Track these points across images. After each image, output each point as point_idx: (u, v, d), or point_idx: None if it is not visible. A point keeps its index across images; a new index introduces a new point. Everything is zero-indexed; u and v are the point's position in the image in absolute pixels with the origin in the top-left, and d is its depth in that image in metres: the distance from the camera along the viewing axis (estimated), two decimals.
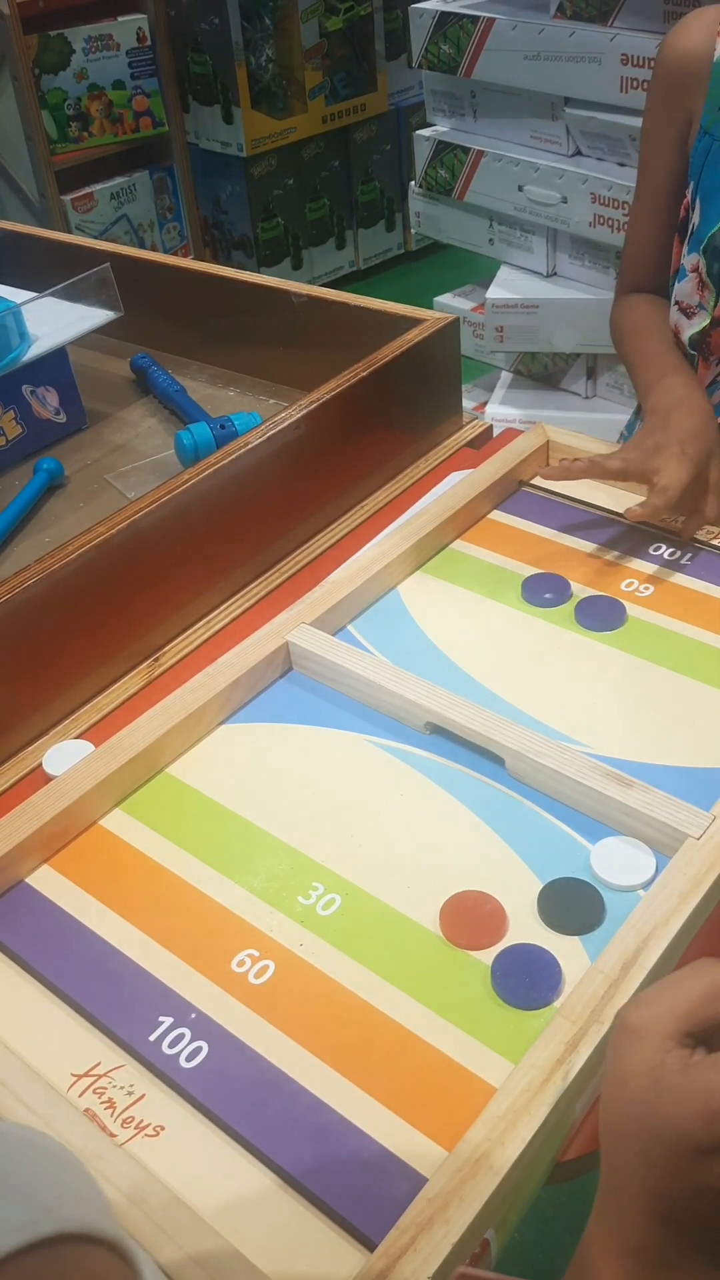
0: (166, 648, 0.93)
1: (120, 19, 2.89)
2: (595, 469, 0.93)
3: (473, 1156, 0.55)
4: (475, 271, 2.48)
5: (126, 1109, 0.60)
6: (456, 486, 1.02)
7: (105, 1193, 0.54)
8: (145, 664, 0.92)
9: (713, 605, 0.91)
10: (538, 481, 1.07)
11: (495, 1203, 0.54)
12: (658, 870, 0.69)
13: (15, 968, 0.68)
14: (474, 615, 0.92)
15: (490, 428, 1.18)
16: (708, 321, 0.99)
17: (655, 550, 0.97)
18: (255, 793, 0.78)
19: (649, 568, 0.95)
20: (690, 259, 0.99)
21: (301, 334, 1.20)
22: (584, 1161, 0.61)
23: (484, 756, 0.78)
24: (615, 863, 0.70)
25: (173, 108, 3.09)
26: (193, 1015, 0.64)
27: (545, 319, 1.98)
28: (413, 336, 1.09)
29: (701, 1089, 0.42)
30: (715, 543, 0.97)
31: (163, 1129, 0.59)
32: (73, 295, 1.17)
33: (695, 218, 0.98)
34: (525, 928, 0.67)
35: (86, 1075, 0.62)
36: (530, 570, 0.96)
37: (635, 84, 1.71)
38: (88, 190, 3.01)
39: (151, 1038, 0.63)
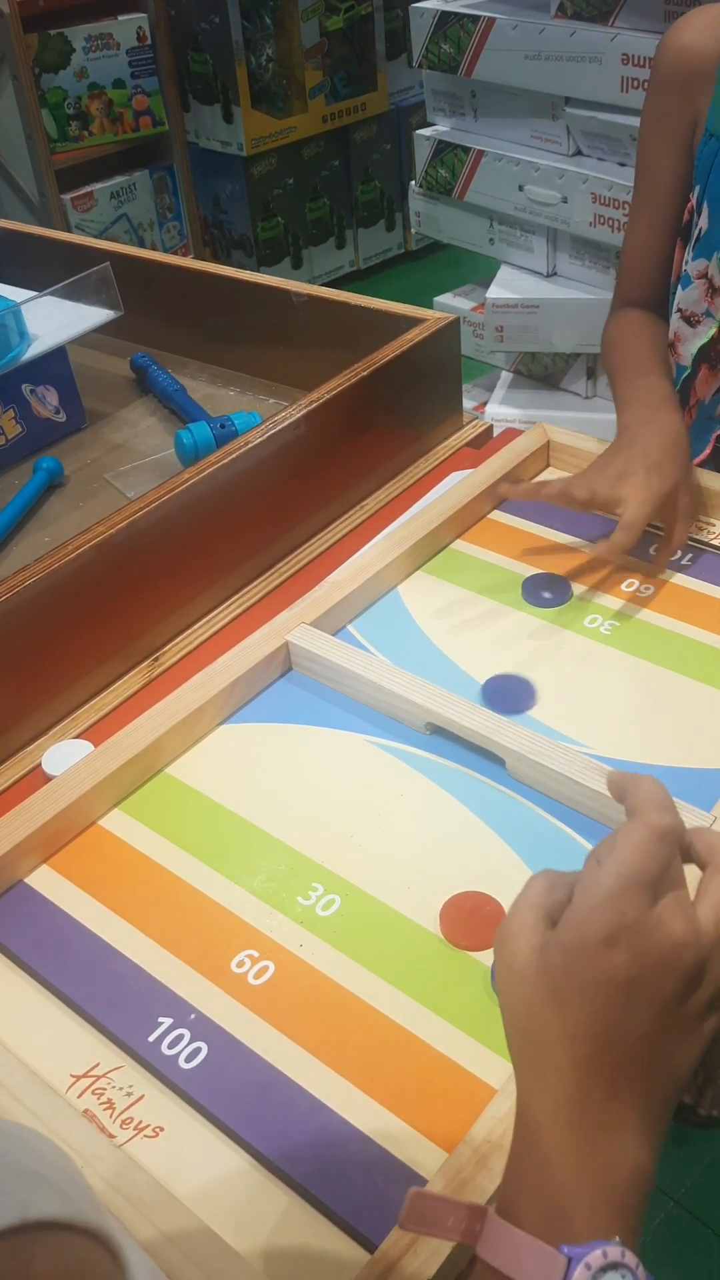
0: (166, 647, 0.93)
1: (120, 18, 2.89)
2: (563, 498, 0.89)
3: (473, 1157, 0.54)
4: (475, 271, 2.48)
5: (126, 1110, 0.60)
6: (457, 486, 1.02)
7: (104, 1194, 0.54)
8: (145, 664, 0.92)
9: (713, 606, 0.90)
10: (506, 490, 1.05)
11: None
12: None
13: (14, 968, 0.67)
14: (474, 615, 0.92)
15: (490, 428, 1.18)
16: (716, 328, 0.97)
17: (654, 550, 0.97)
18: (255, 793, 0.78)
19: (648, 568, 0.95)
20: (696, 265, 0.96)
21: (301, 333, 1.20)
22: None
23: (484, 757, 0.78)
24: None
25: (173, 107, 3.09)
26: (192, 1016, 0.64)
27: (545, 319, 1.98)
28: (413, 336, 1.09)
29: (580, 910, 0.45)
30: (715, 543, 0.97)
31: (162, 1130, 0.59)
32: (72, 294, 1.17)
33: (703, 222, 0.95)
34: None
35: (85, 1076, 0.61)
36: (530, 570, 0.95)
37: (636, 84, 1.71)
38: (87, 189, 3.01)
39: (151, 1038, 0.63)
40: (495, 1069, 0.61)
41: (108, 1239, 0.34)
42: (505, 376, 2.17)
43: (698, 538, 0.98)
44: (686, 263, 0.99)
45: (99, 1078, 0.61)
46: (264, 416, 1.08)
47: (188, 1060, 0.62)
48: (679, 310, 1.00)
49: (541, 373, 2.12)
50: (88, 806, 0.76)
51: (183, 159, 3.20)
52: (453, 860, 0.72)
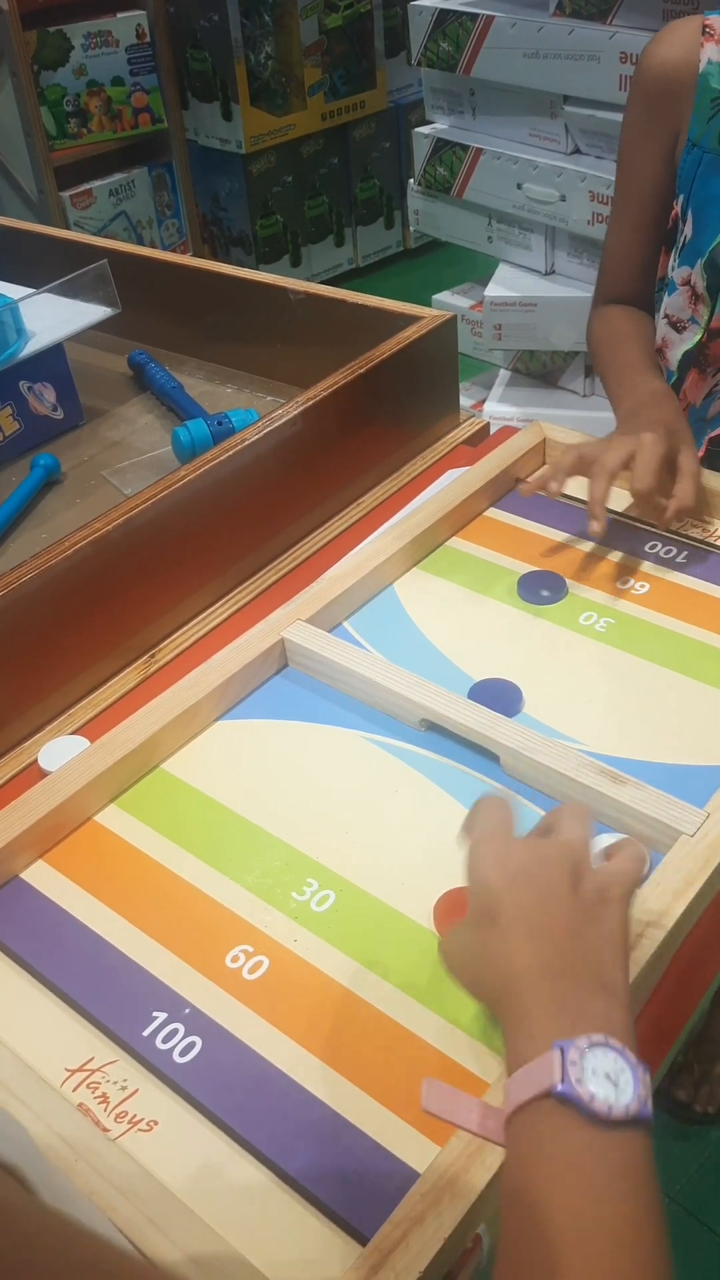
0: (162, 644, 0.93)
1: (119, 15, 2.89)
2: (579, 465, 0.92)
3: (465, 1152, 0.55)
4: (474, 269, 2.48)
5: (120, 1104, 0.60)
6: (453, 484, 1.02)
7: (97, 1187, 0.54)
8: (141, 660, 0.92)
9: (707, 603, 0.91)
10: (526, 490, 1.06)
11: (487, 1198, 0.54)
12: (651, 867, 0.69)
13: (9, 963, 0.68)
14: (470, 612, 0.92)
15: (487, 425, 1.18)
16: (701, 335, 0.98)
17: (650, 548, 0.97)
18: (250, 789, 0.78)
19: (644, 565, 0.95)
20: (681, 272, 0.98)
21: (299, 331, 1.20)
22: None
23: (478, 754, 0.78)
24: None
25: (172, 104, 3.08)
26: (186, 1010, 0.64)
27: (543, 317, 1.98)
28: (410, 334, 1.09)
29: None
30: (710, 540, 0.97)
31: (156, 1124, 0.59)
32: (70, 291, 1.17)
33: (688, 230, 0.97)
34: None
35: (80, 1070, 0.62)
36: (526, 568, 0.96)
37: None
38: (86, 187, 3.00)
39: (145, 1033, 0.63)
40: (488, 1063, 0.61)
41: (12, 1168, 0.34)
42: (503, 374, 2.17)
43: (692, 536, 0.98)
44: (672, 269, 0.99)
45: (93, 1072, 0.62)
46: (261, 414, 1.08)
47: (182, 1055, 0.62)
48: (666, 316, 1.00)
49: (540, 371, 2.12)
50: (83, 802, 0.76)
51: (182, 156, 3.20)
52: (447, 856, 0.72)
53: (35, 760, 0.81)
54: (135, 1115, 0.60)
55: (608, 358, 1.07)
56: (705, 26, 0.94)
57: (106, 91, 2.93)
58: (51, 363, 1.17)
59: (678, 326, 1.00)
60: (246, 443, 0.96)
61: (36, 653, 0.85)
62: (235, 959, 0.67)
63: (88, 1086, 0.61)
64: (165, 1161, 0.57)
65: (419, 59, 2.01)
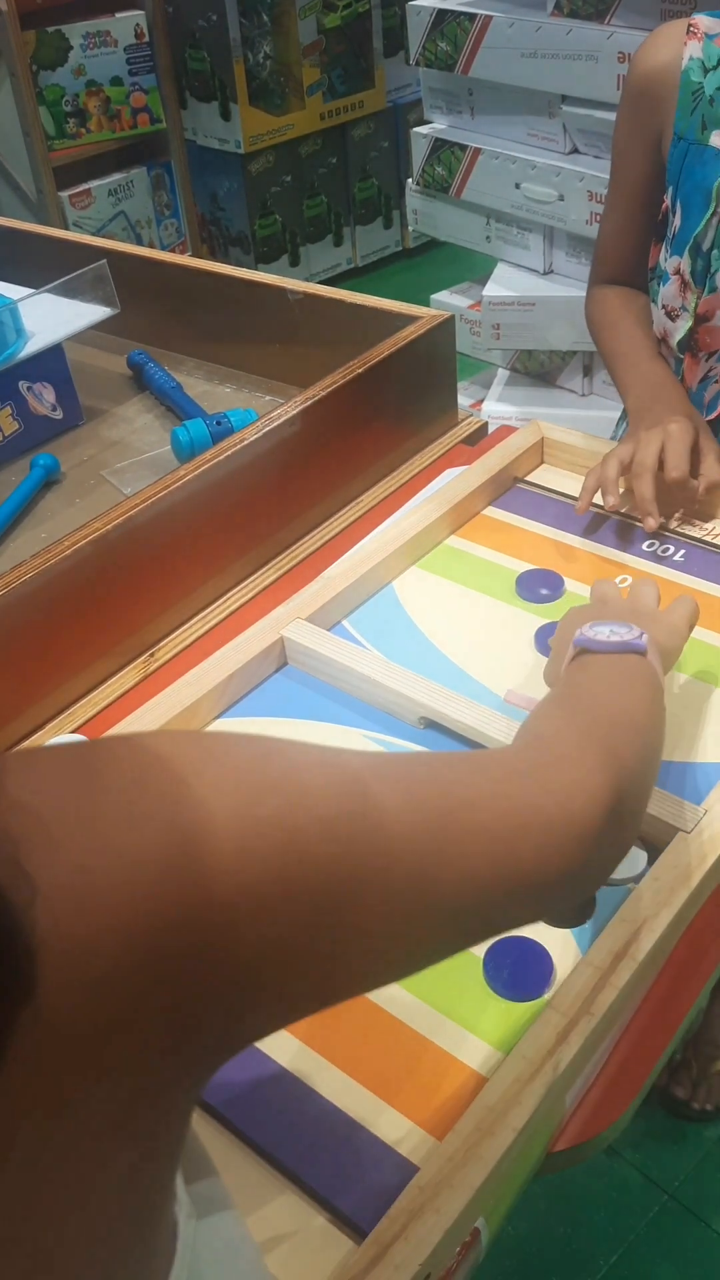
0: (161, 643, 0.94)
1: (118, 15, 2.89)
2: (617, 470, 0.96)
3: (464, 1146, 0.55)
4: (472, 269, 2.49)
5: None
6: (452, 483, 1.02)
7: None
8: (140, 659, 0.92)
9: (705, 601, 0.91)
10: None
11: (486, 1192, 0.54)
12: (649, 863, 0.70)
13: None
14: (468, 610, 0.93)
15: (485, 425, 1.19)
16: (691, 321, 1.00)
17: (648, 546, 0.97)
18: None
19: (641, 563, 0.95)
20: (672, 262, 1.01)
21: (297, 331, 1.21)
22: (575, 1153, 0.61)
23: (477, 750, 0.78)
24: None
25: (170, 104, 3.09)
26: None
27: (542, 316, 1.98)
28: (408, 334, 1.09)
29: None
30: (707, 539, 0.98)
31: None
32: (69, 292, 1.17)
33: (676, 221, 1.00)
34: None
35: None
36: (524, 566, 0.96)
37: None
38: (85, 187, 3.01)
39: None
40: (487, 1059, 0.61)
41: None
42: (502, 374, 2.17)
43: (690, 534, 0.98)
44: (664, 260, 1.02)
45: None
46: (260, 414, 1.09)
47: None
48: (663, 306, 1.03)
49: (538, 370, 2.12)
50: None
51: (180, 156, 3.20)
52: None
53: None
54: None
55: (611, 343, 1.12)
56: (690, 26, 0.98)
57: (105, 91, 2.94)
58: (51, 363, 1.17)
59: (672, 315, 1.03)
60: (245, 442, 0.96)
61: (36, 652, 0.85)
62: None
63: None
64: None
65: (417, 59, 2.02)
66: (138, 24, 2.92)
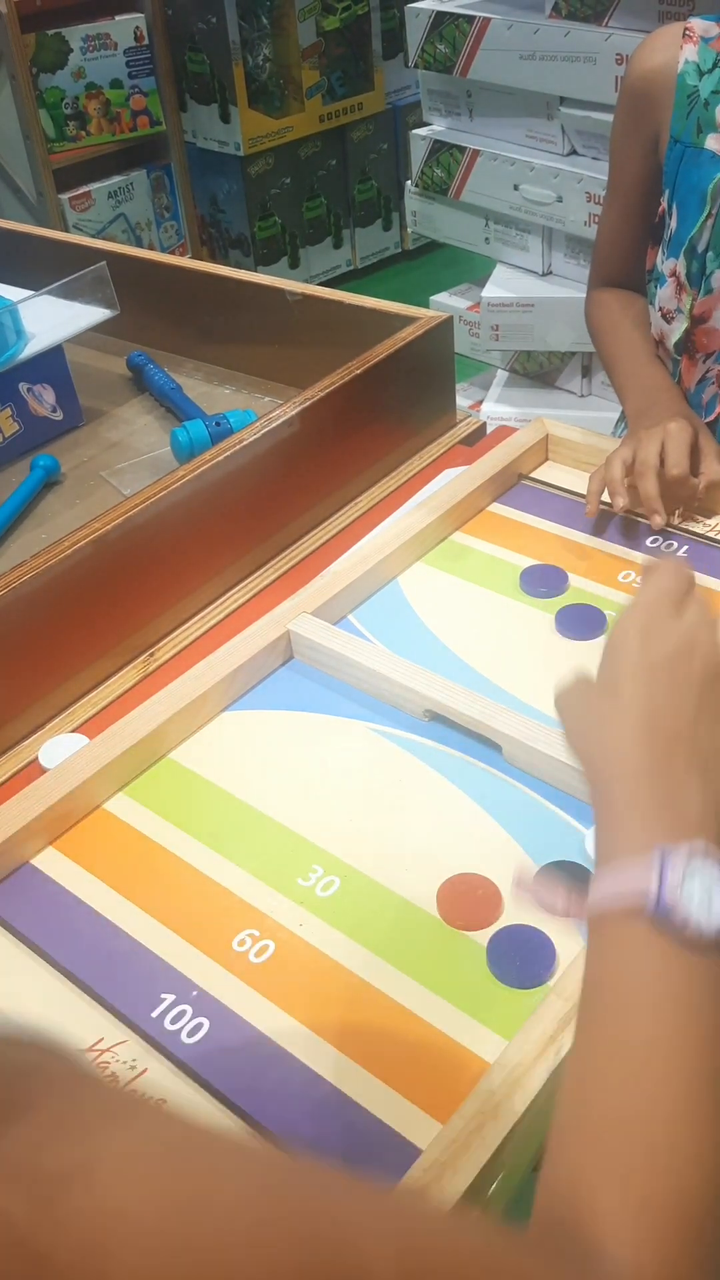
0: (161, 643, 0.94)
1: (118, 18, 2.90)
2: (619, 472, 0.96)
3: (466, 1129, 0.56)
4: (471, 270, 2.50)
5: (129, 1083, 0.61)
6: (456, 480, 1.03)
7: None
8: (140, 659, 0.93)
9: (707, 597, 0.92)
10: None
11: (487, 1175, 0.55)
12: None
13: (22, 946, 0.69)
14: (473, 606, 0.94)
15: (484, 425, 1.20)
16: (688, 323, 1.02)
17: (651, 542, 0.98)
18: (256, 778, 0.79)
19: (644, 559, 0.96)
20: (668, 264, 1.03)
21: (296, 332, 1.21)
22: None
23: (481, 743, 0.79)
24: None
25: (170, 107, 3.10)
26: (194, 993, 0.65)
27: (540, 318, 1.99)
28: (406, 335, 1.10)
29: (616, 627, 0.54)
30: (710, 535, 0.99)
31: (164, 1102, 0.60)
32: (69, 293, 1.18)
33: (673, 223, 1.01)
34: (520, 909, 0.69)
35: (90, 1050, 0.63)
36: (529, 562, 0.97)
37: None
38: (85, 189, 3.02)
39: (154, 1014, 0.64)
40: (489, 1045, 0.62)
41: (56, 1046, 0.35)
42: (501, 375, 2.18)
43: (693, 530, 0.99)
44: (660, 262, 1.03)
45: (103, 1052, 0.63)
46: (259, 414, 1.09)
47: (190, 1035, 0.63)
48: (660, 309, 1.04)
49: (537, 371, 2.13)
50: (92, 790, 0.77)
51: (180, 158, 3.21)
52: (450, 843, 0.73)
53: (35, 758, 0.82)
54: (144, 1094, 0.61)
55: (609, 347, 1.13)
56: (686, 30, 0.99)
57: (105, 94, 2.95)
58: (51, 364, 1.18)
59: (668, 318, 1.04)
60: (244, 443, 0.97)
61: (36, 652, 0.86)
62: (242, 943, 0.68)
63: (98, 1066, 0.62)
64: None
65: (416, 61, 2.03)
66: (137, 26, 2.93)
